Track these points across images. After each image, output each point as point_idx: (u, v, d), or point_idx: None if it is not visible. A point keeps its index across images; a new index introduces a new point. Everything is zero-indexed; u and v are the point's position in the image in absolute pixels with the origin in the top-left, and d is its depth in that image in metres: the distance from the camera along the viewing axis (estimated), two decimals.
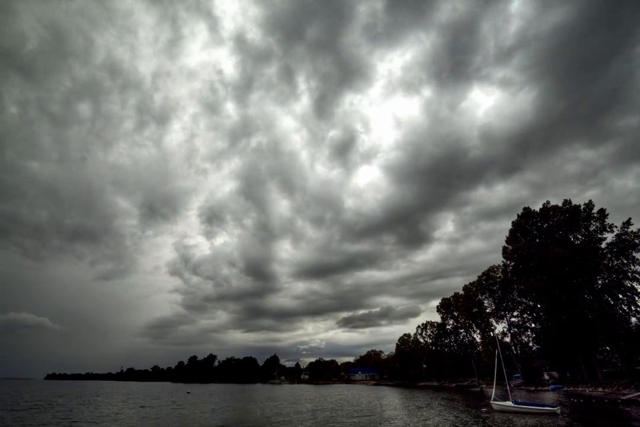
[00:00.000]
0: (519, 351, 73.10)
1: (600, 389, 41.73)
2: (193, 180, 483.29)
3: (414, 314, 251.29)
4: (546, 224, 56.29)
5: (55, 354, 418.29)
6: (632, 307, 46.13)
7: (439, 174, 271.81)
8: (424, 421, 22.34)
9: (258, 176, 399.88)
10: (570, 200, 53.79)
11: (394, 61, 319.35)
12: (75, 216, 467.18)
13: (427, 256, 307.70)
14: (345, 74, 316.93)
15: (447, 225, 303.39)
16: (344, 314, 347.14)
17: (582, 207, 51.55)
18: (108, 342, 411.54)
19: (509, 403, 27.09)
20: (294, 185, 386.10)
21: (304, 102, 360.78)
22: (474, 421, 22.05)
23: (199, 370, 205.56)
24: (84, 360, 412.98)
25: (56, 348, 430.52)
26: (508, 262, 63.98)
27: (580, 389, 46.55)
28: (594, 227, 50.34)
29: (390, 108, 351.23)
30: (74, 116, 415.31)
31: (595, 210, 50.40)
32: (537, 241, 56.58)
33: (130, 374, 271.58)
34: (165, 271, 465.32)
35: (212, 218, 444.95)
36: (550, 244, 52.62)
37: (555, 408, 24.17)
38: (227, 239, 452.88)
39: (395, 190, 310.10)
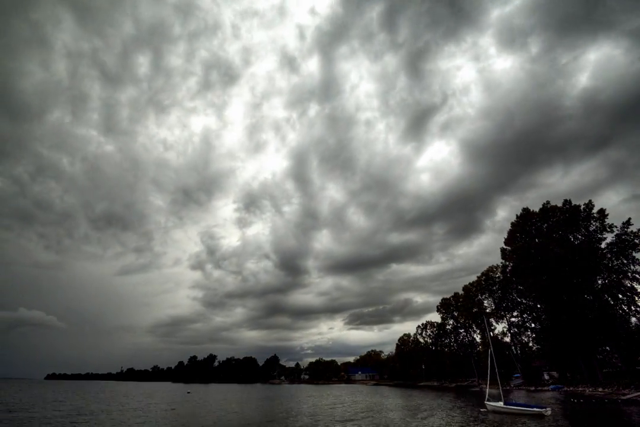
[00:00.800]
0: (519, 351, 73.06)
1: (600, 389, 41.68)
2: (239, 158, 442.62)
3: (429, 310, 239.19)
4: (546, 224, 56.24)
5: (56, 354, 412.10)
6: (632, 307, 46.11)
7: (519, 150, 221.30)
8: (422, 421, 22.33)
9: (317, 152, 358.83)
10: (570, 200, 53.79)
11: (508, 4, 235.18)
12: (109, 200, 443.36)
13: (470, 248, 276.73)
14: (456, 20, 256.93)
15: (501, 212, 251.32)
16: (361, 312, 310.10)
17: (582, 207, 51.53)
18: (113, 341, 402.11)
19: (500, 404, 27.14)
20: (356, 165, 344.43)
21: (397, 56, 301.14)
22: (468, 422, 22.03)
23: (199, 370, 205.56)
24: (84, 360, 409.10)
25: (58, 347, 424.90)
26: (507, 262, 63.94)
27: (580, 389, 46.50)
28: (594, 227, 50.31)
29: (488, 66, 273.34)
30: (129, 73, 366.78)
31: (595, 210, 50.43)
32: (537, 241, 56.53)
33: (130, 374, 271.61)
34: (188, 264, 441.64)
35: (250, 205, 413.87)
36: (549, 244, 52.59)
37: (543, 409, 23.93)
38: (261, 229, 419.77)
39: (465, 169, 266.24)
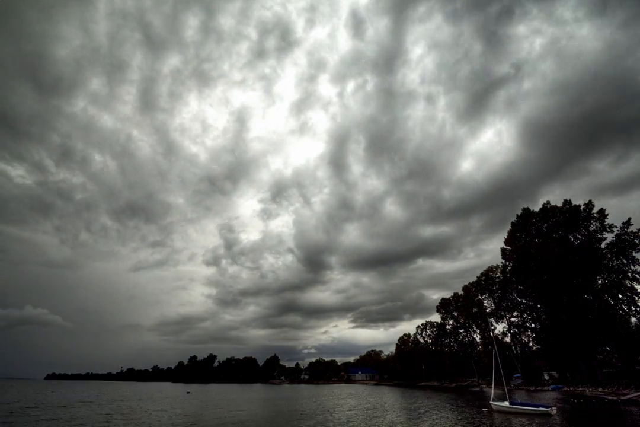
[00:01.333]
0: (519, 351, 73.09)
1: (600, 389, 41.71)
2: (275, 142, 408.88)
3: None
4: (546, 224, 56.28)
5: (57, 353, 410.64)
6: (632, 307, 46.15)
7: (582, 130, 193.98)
8: (422, 420, 22.34)
9: (366, 133, 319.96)
10: (570, 200, 53.84)
11: None
12: (136, 189, 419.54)
13: (501, 243, 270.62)
14: None
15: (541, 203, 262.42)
16: (368, 309, 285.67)
17: (582, 207, 51.58)
18: (116, 340, 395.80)
19: (506, 404, 27.24)
20: (406, 148, 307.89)
21: (477, 18, 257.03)
22: (471, 422, 22.05)
23: (199, 370, 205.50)
24: (85, 359, 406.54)
25: (60, 347, 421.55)
26: (507, 262, 63.97)
27: (580, 389, 46.52)
28: (594, 227, 50.36)
29: (566, 34, 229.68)
30: (175, 37, 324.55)
31: (595, 210, 50.47)
32: (537, 241, 56.57)
33: (130, 374, 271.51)
34: (203, 260, 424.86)
35: (277, 195, 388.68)
36: (549, 244, 52.63)
37: (549, 409, 24.20)
38: (285, 222, 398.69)
39: (515, 153, 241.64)
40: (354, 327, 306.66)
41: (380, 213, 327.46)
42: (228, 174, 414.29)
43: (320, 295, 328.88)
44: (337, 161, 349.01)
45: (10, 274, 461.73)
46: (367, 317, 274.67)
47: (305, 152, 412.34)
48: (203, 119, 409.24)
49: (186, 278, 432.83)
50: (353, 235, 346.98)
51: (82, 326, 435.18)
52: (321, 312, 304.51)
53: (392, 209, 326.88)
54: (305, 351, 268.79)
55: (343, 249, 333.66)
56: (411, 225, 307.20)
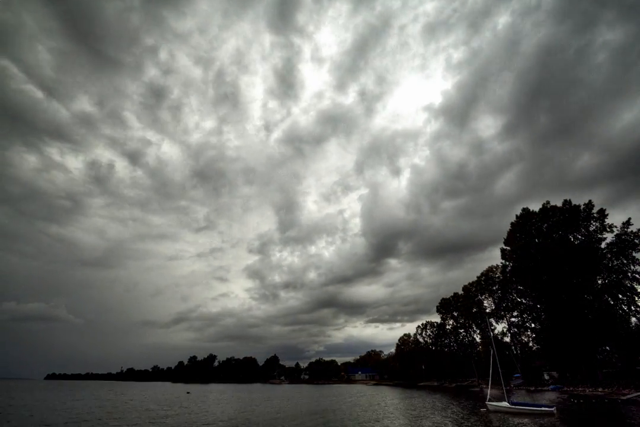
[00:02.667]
0: (519, 351, 73.07)
1: (600, 389, 41.69)
2: (392, 80, 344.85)
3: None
4: (545, 225, 56.25)
5: (59, 352, 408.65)
6: (632, 307, 46.12)
7: None
8: (422, 421, 22.32)
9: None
10: (570, 200, 53.82)
11: None
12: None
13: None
14: None
15: None
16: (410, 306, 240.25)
17: (582, 207, 51.56)
18: (132, 337, 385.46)
19: (505, 404, 27.12)
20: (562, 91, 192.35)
21: None
22: (469, 422, 22.02)
23: (199, 370, 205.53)
24: (85, 359, 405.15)
25: (64, 346, 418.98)
26: (507, 262, 63.94)
27: (580, 389, 46.50)
28: (594, 227, 50.34)
29: None
30: None
31: (595, 210, 50.44)
32: (537, 241, 56.54)
33: (130, 374, 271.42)
34: (248, 247, 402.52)
35: (364, 162, 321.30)
36: (549, 244, 52.61)
37: (552, 408, 24.07)
38: (364, 196, 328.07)
39: None
40: (389, 322, 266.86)
41: (493, 186, 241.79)
42: (319, 129, 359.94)
43: (367, 289, 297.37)
44: (454, 112, 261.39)
45: (36, 271, 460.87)
46: (401, 313, 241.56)
47: (431, 91, 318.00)
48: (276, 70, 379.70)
49: (224, 269, 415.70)
50: (446, 215, 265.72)
51: (96, 324, 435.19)
52: (360, 307, 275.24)
53: (516, 177, 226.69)
54: (318, 350, 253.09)
55: (424, 233, 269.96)
56: (528, 196, 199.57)
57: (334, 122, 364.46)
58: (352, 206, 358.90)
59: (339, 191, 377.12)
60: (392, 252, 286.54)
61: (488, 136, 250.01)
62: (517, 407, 26.35)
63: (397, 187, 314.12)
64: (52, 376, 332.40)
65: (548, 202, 56.97)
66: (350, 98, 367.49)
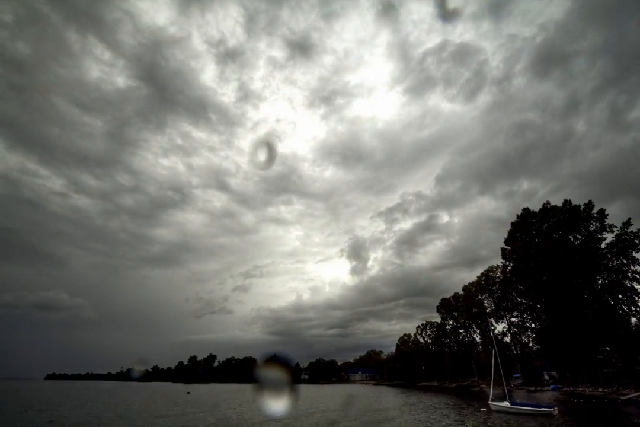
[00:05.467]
0: (519, 351, 73.09)
1: (600, 389, 41.73)
2: None
3: None
4: (545, 225, 56.25)
5: (59, 352, 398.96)
6: (632, 307, 46.11)
7: None
8: (421, 420, 22.34)
9: None
10: (570, 200, 53.88)
11: None
12: None
13: None
14: None
15: None
16: None
17: (582, 207, 51.57)
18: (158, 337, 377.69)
19: (506, 404, 27.12)
20: None
21: None
22: (470, 422, 22.04)
23: (199, 370, 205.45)
24: (85, 359, 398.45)
25: (64, 345, 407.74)
26: (507, 262, 63.98)
27: (580, 389, 46.54)
28: (594, 228, 50.33)
29: None
30: None
31: (594, 210, 50.46)
32: (537, 241, 56.55)
33: (130, 375, 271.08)
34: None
35: None
36: (549, 244, 52.61)
37: (552, 409, 24.06)
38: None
39: None
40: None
41: None
42: None
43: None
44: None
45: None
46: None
47: None
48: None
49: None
50: None
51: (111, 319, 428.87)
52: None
53: None
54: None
55: None
56: None
57: None
58: None
59: None
60: None
61: None
62: (517, 407, 26.36)
63: None
64: (52, 376, 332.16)
65: (548, 202, 57.02)
66: None
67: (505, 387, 30.80)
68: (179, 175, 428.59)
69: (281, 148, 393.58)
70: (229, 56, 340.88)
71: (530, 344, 70.85)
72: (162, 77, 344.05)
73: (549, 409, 24.11)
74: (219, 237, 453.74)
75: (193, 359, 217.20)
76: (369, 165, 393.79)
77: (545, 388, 54.88)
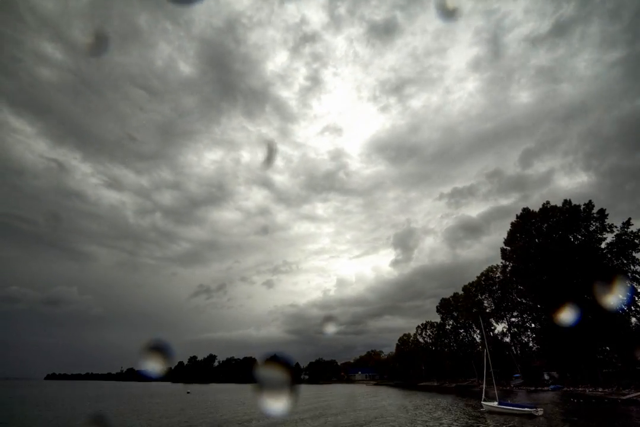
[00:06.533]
0: (519, 351, 73.05)
1: (600, 389, 41.73)
2: None
3: None
4: (545, 225, 56.24)
5: (59, 352, 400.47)
6: (632, 307, 46.09)
7: None
8: (421, 420, 22.35)
9: None
10: (570, 200, 53.85)
11: None
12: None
13: None
14: None
15: None
16: None
17: (582, 207, 51.55)
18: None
19: (495, 404, 27.39)
20: None
21: None
22: (466, 421, 22.05)
23: (199, 370, 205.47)
24: (85, 359, 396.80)
25: (64, 343, 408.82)
26: (507, 262, 63.96)
27: (580, 389, 46.54)
28: (594, 228, 50.31)
29: None
30: None
31: (595, 210, 50.44)
32: (537, 241, 56.52)
33: (130, 374, 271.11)
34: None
35: None
36: (549, 244, 52.58)
37: (534, 409, 24.16)
38: None
39: None
40: None
41: None
42: None
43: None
44: None
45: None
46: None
47: None
48: None
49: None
50: None
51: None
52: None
53: None
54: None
55: None
56: None
57: None
58: None
59: None
60: None
61: None
62: (503, 407, 26.60)
63: None
64: (52, 376, 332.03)
65: (548, 202, 57.01)
66: None
67: (495, 387, 31.03)
68: (223, 171, 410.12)
69: (337, 143, 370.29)
70: (304, 42, 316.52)
71: (530, 344, 70.88)
72: (228, 63, 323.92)
73: (531, 409, 24.30)
74: (249, 236, 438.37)
75: (193, 359, 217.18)
76: (419, 159, 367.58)
77: (545, 388, 54.86)
